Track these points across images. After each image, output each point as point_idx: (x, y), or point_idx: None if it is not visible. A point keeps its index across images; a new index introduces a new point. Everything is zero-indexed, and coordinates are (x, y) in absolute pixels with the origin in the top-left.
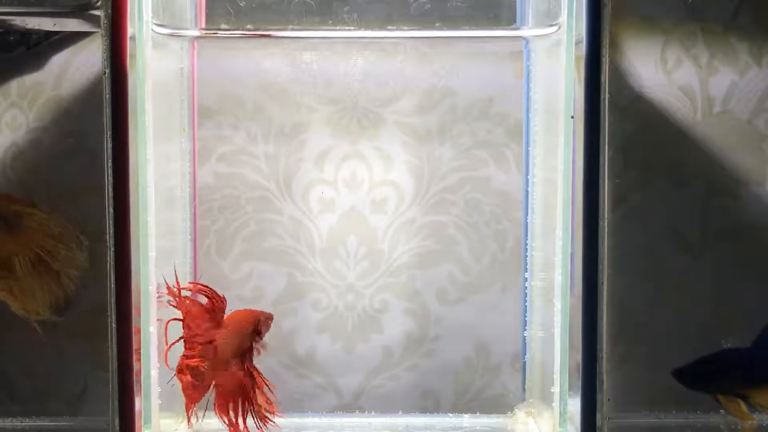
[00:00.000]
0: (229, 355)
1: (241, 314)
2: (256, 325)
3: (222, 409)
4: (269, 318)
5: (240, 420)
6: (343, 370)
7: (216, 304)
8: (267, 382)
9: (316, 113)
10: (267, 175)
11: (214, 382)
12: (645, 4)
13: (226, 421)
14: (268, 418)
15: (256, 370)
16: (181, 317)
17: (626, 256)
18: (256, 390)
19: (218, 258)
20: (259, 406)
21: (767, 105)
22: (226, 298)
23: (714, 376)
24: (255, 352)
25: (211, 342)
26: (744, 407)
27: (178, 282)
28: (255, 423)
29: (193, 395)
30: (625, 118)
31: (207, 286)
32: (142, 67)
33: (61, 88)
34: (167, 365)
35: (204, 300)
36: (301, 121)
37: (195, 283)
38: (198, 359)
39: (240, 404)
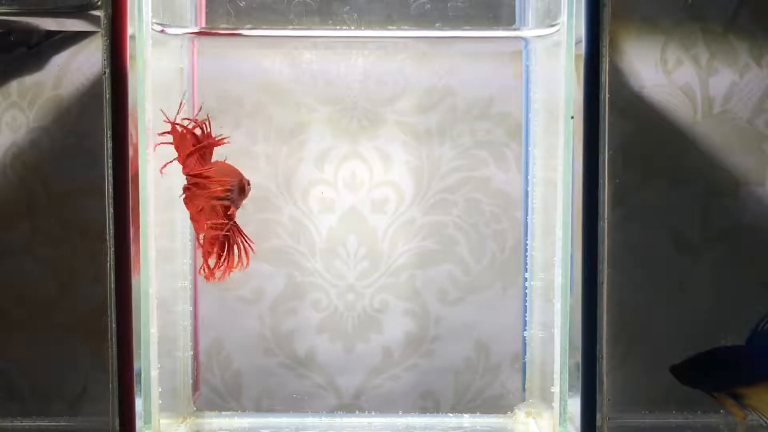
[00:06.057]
0: (219, 192)
1: (227, 165)
2: (241, 180)
3: (206, 253)
4: (249, 184)
5: (220, 263)
6: (342, 370)
7: (208, 139)
8: (245, 236)
9: (316, 113)
10: (267, 175)
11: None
12: (645, 4)
13: (207, 266)
14: (242, 265)
15: (236, 224)
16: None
17: (626, 256)
18: (237, 240)
19: None
20: (234, 255)
21: (767, 105)
22: (219, 139)
23: (708, 374)
24: (233, 207)
25: (202, 175)
26: (737, 407)
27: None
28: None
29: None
30: (625, 118)
31: (203, 121)
32: (142, 67)
33: (61, 88)
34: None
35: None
36: (301, 121)
37: (191, 119)
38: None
39: (222, 248)
